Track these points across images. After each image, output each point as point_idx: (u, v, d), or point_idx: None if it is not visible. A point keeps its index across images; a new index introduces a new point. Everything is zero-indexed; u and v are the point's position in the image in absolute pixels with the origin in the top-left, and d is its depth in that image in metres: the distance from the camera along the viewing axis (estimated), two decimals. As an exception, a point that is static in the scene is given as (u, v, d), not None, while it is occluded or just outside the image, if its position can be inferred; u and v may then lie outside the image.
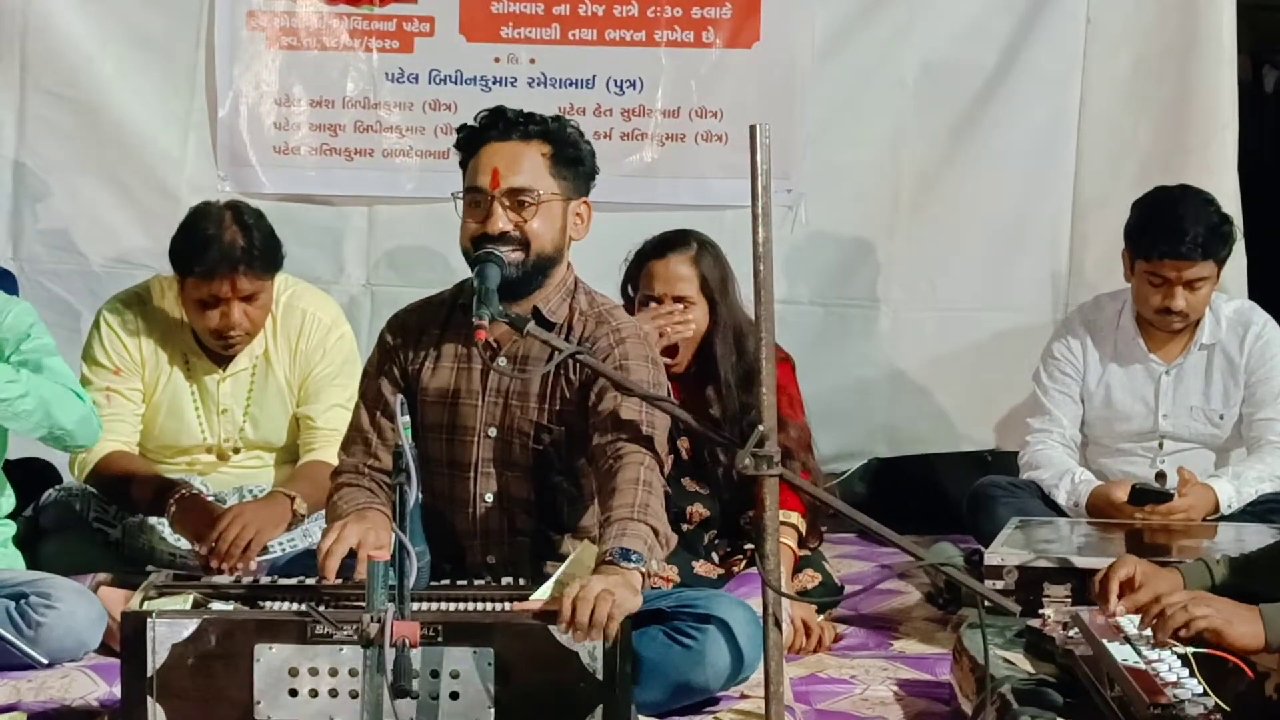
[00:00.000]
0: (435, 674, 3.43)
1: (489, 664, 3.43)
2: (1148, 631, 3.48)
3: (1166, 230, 5.05)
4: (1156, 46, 6.12)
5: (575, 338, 3.99)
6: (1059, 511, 5.11)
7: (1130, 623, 3.62)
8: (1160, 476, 5.21)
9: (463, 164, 4.04)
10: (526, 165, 3.94)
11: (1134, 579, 3.76)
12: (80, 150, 6.18)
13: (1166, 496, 4.92)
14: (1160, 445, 5.28)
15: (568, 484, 4.02)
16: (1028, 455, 5.30)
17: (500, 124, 3.99)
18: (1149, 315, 5.19)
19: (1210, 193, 5.25)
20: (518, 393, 4.01)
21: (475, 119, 4.04)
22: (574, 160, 4.02)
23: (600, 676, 3.45)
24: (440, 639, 3.42)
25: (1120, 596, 3.74)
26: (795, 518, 4.76)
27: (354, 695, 3.40)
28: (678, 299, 4.92)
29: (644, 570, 3.61)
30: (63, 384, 4.44)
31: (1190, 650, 3.38)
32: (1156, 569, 3.84)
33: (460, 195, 4.00)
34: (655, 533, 3.71)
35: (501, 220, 3.90)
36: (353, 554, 3.69)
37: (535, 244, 3.93)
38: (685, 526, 4.87)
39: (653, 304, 4.91)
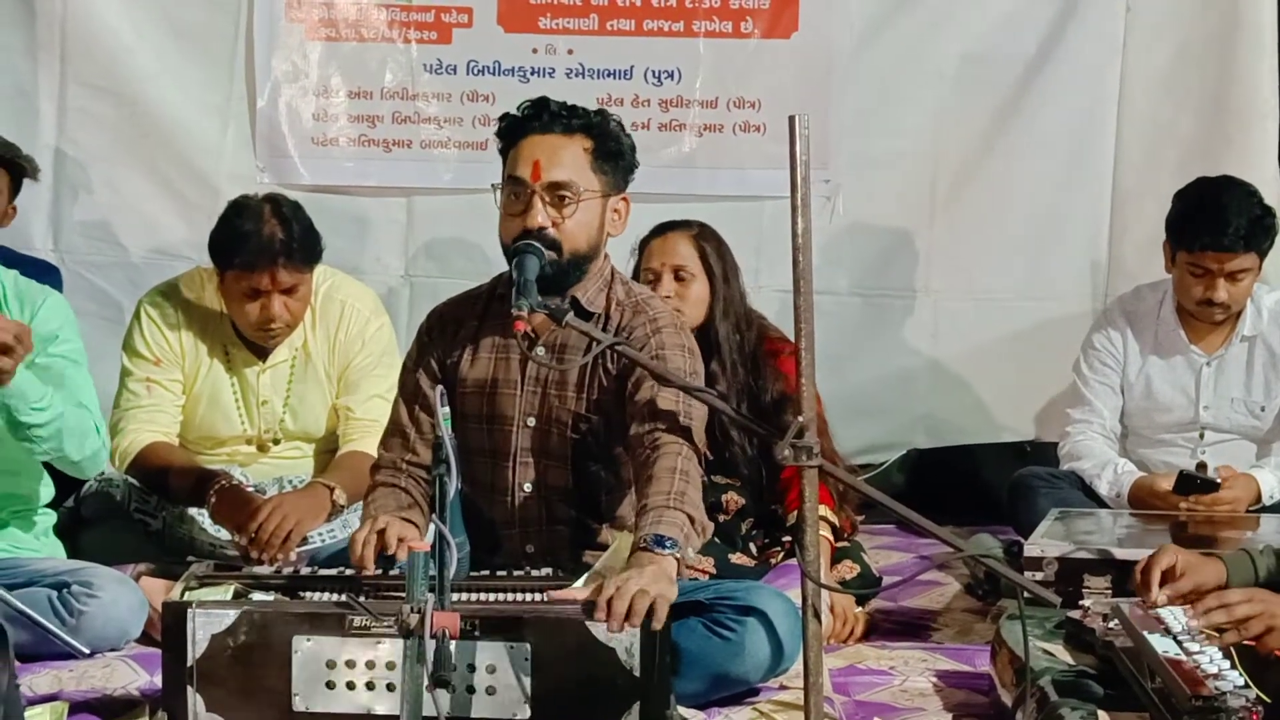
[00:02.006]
0: (471, 668, 3.42)
1: (525, 659, 3.42)
2: (1193, 623, 3.44)
3: (1209, 222, 5.02)
4: (1196, 35, 6.09)
5: (613, 327, 3.99)
6: (1099, 502, 5.09)
7: (1171, 614, 3.60)
8: (1201, 468, 5.18)
9: (502, 152, 4.04)
10: (568, 159, 3.93)
11: (1176, 568, 3.75)
12: (120, 141, 6.20)
13: (1212, 485, 4.89)
14: (1201, 436, 5.26)
15: (606, 473, 4.03)
16: (1068, 446, 5.28)
17: (544, 115, 3.98)
18: (1190, 307, 5.17)
19: (1252, 184, 5.22)
20: (556, 382, 4.02)
21: (518, 109, 4.03)
22: (615, 155, 4.01)
23: (637, 673, 3.42)
24: (477, 633, 3.42)
25: (1161, 586, 3.73)
26: (824, 510, 4.76)
27: (391, 688, 3.40)
28: (676, 271, 4.96)
29: (679, 556, 3.61)
30: (84, 405, 4.41)
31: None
32: (1199, 558, 3.83)
33: (499, 186, 4.00)
34: (691, 520, 3.71)
35: (540, 215, 3.90)
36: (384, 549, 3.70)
37: (568, 245, 3.92)
38: (722, 517, 4.88)
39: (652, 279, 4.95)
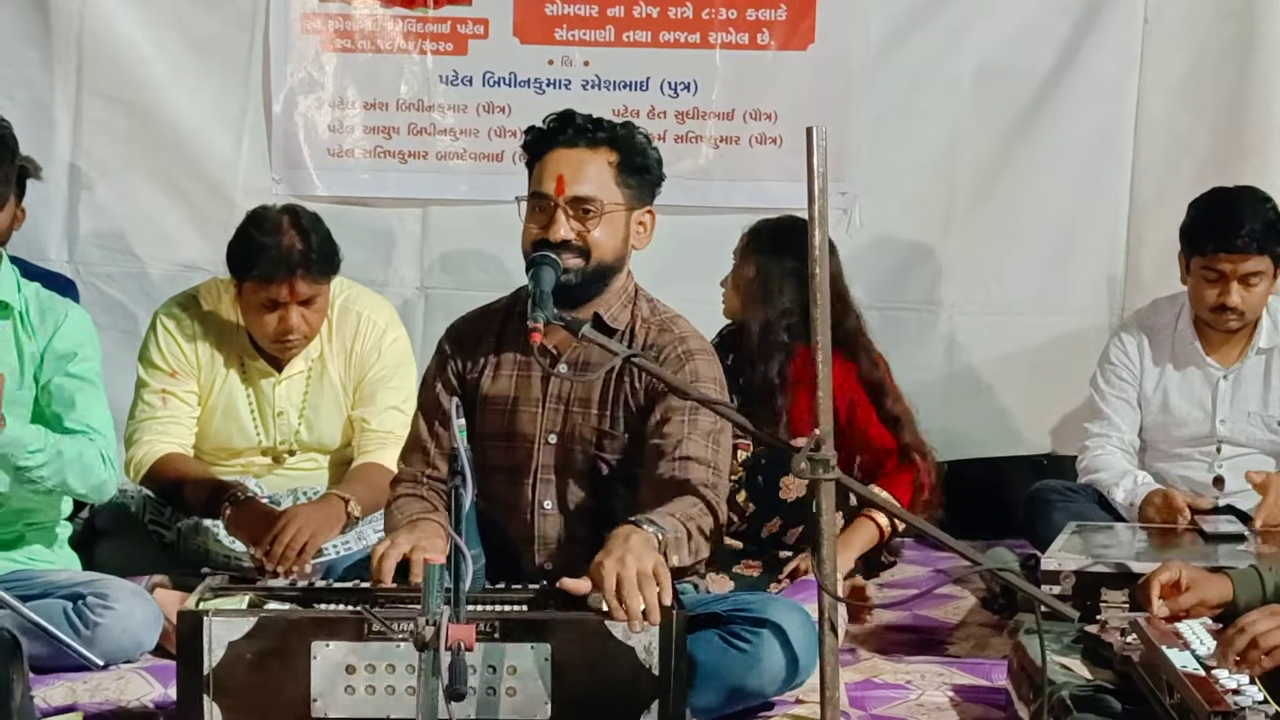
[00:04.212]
0: (493, 670, 3.43)
1: (546, 659, 3.43)
2: (1237, 672, 3.38)
3: (1221, 224, 5.03)
4: (1213, 47, 6.08)
5: (638, 344, 3.98)
6: (1116, 516, 5.08)
7: (1189, 629, 3.59)
8: (1218, 481, 5.17)
9: (528, 165, 4.03)
10: (592, 173, 3.93)
11: (1179, 582, 3.74)
12: (135, 153, 6.21)
13: (1239, 538, 4.82)
14: (1218, 450, 5.24)
15: (626, 490, 3.99)
16: (1086, 460, 5.27)
17: (569, 129, 3.97)
18: (1204, 315, 5.15)
19: (1268, 193, 5.20)
20: (579, 399, 4.00)
21: (544, 122, 4.02)
22: (640, 168, 4.00)
23: (656, 672, 3.44)
24: (498, 636, 3.43)
25: (1165, 599, 3.72)
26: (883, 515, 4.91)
27: (411, 692, 3.37)
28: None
29: (661, 538, 3.59)
30: (92, 429, 4.39)
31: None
32: (1204, 574, 3.82)
33: (523, 199, 3.99)
34: (689, 535, 3.71)
35: (564, 228, 3.89)
36: (406, 563, 3.68)
37: (596, 253, 3.92)
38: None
39: None
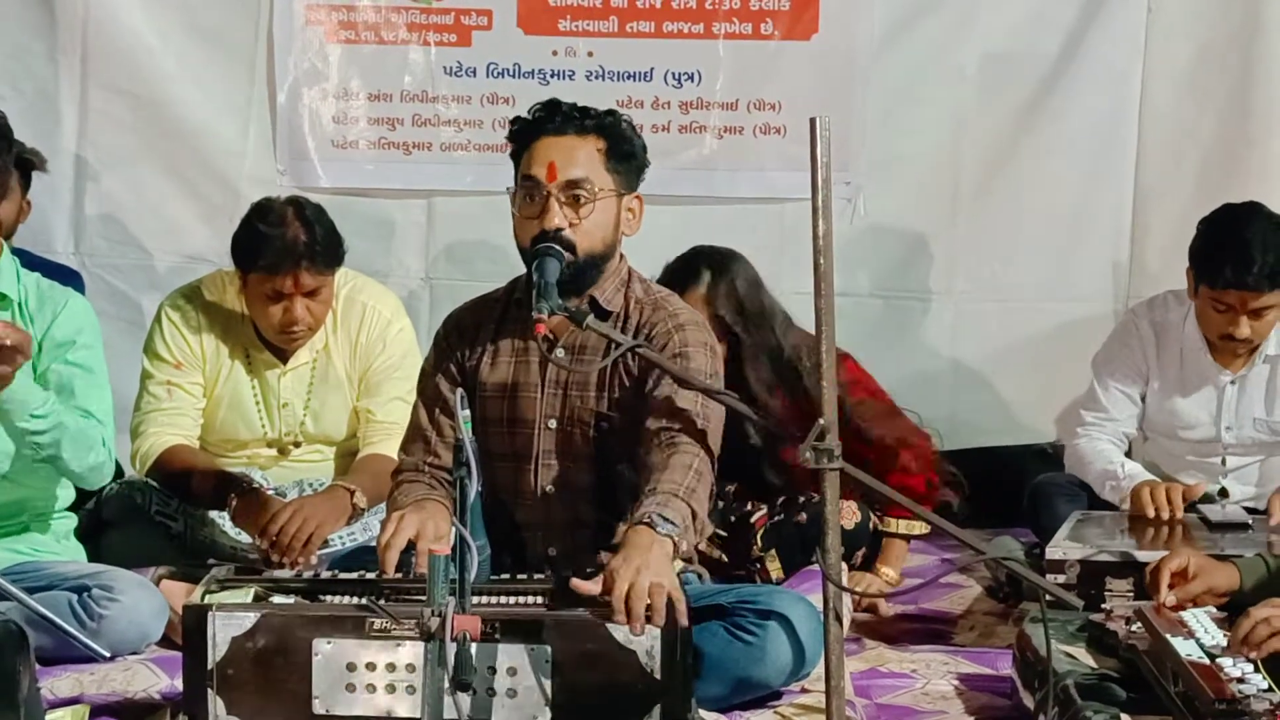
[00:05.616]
0: (492, 670, 3.41)
1: (546, 661, 3.42)
2: (1249, 655, 3.39)
3: (1233, 260, 4.84)
4: (1218, 36, 6.07)
5: (633, 325, 3.99)
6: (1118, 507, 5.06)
7: (1194, 617, 3.59)
8: (1223, 492, 5.12)
9: (515, 156, 4.03)
10: (582, 159, 3.93)
11: (1187, 570, 3.74)
12: (141, 144, 6.21)
13: (1245, 527, 4.79)
14: (1223, 462, 5.18)
15: (629, 472, 4.00)
16: (1073, 452, 5.18)
17: (556, 118, 3.97)
18: (1212, 339, 5.03)
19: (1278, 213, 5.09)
20: (577, 383, 4.01)
21: (529, 112, 4.03)
22: (628, 155, 4.01)
23: (658, 676, 3.41)
24: (497, 636, 3.41)
25: (1172, 587, 3.72)
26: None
27: (411, 690, 3.39)
28: None
29: (676, 540, 3.59)
30: (91, 415, 4.38)
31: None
32: (1212, 561, 3.82)
33: (514, 190, 3.99)
34: (694, 515, 3.70)
35: (558, 216, 3.89)
36: (412, 546, 3.68)
37: (585, 244, 3.91)
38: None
39: None
